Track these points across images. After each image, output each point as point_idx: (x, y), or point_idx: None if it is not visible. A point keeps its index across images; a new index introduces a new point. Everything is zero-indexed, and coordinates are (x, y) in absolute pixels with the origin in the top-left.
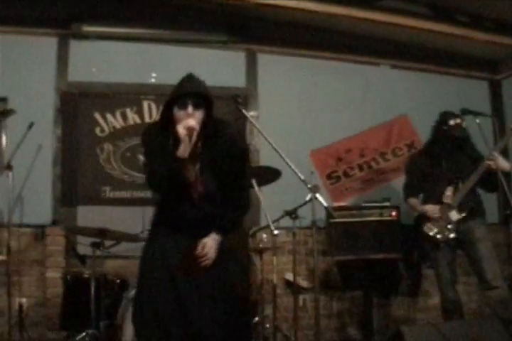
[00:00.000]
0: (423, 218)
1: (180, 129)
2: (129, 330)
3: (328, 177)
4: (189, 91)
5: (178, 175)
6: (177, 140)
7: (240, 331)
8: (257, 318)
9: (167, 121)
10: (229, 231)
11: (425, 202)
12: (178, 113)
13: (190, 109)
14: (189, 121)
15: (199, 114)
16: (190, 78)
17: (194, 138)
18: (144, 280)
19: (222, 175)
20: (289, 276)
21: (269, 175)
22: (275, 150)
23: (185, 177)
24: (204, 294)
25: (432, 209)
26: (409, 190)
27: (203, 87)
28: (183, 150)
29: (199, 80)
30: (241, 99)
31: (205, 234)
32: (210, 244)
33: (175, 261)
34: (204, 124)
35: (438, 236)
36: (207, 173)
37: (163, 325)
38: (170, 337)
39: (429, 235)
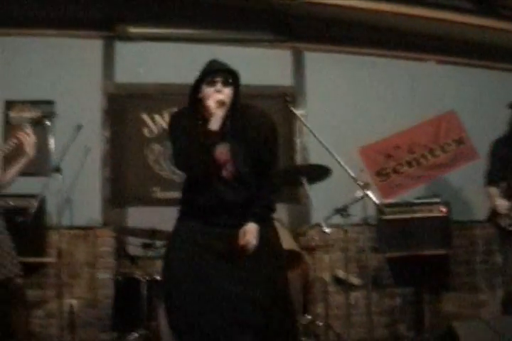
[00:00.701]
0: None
1: (211, 103)
2: None
3: (378, 174)
4: (218, 68)
5: (210, 150)
6: (206, 121)
7: (283, 324)
8: (309, 317)
9: (195, 104)
10: (267, 217)
11: (507, 191)
12: (207, 90)
13: (219, 85)
14: (219, 95)
15: (228, 91)
16: (215, 60)
17: (224, 112)
18: (172, 272)
19: (254, 156)
20: (341, 274)
21: (319, 173)
22: (325, 148)
23: (215, 155)
24: (241, 282)
25: (501, 204)
26: (491, 176)
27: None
28: (214, 123)
29: (224, 62)
30: (290, 97)
31: (236, 220)
32: (251, 231)
33: (209, 250)
34: (233, 103)
35: (510, 228)
36: (238, 154)
37: (195, 317)
38: (204, 330)
39: (501, 226)
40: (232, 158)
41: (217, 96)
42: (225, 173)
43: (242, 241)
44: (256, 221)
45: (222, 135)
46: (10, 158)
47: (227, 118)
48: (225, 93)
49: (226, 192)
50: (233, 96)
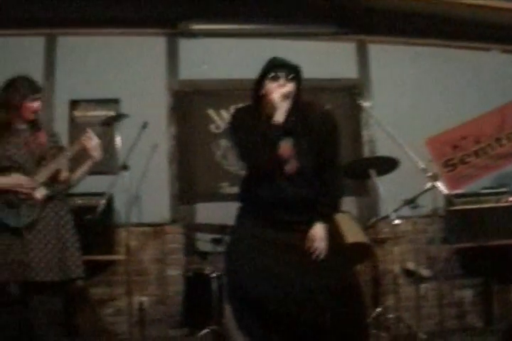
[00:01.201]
0: None
1: (275, 95)
2: None
3: (445, 165)
4: (279, 63)
5: (274, 143)
6: (269, 117)
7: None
8: (379, 309)
9: (258, 101)
10: (331, 215)
11: None
12: (269, 85)
13: (282, 80)
14: (283, 88)
15: (291, 85)
16: (276, 57)
17: (288, 105)
18: (235, 266)
19: (317, 151)
20: (410, 265)
21: (387, 165)
22: (393, 140)
23: (279, 150)
24: (308, 274)
25: None
26: None
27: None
28: (279, 116)
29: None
30: (357, 90)
31: (298, 216)
32: (319, 236)
33: (271, 245)
34: (295, 99)
35: None
36: (301, 149)
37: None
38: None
39: None
40: (295, 154)
41: (281, 90)
42: (287, 168)
43: (311, 248)
44: (323, 221)
45: (285, 130)
46: (77, 159)
47: (291, 114)
48: (289, 87)
49: (289, 188)
50: (295, 92)
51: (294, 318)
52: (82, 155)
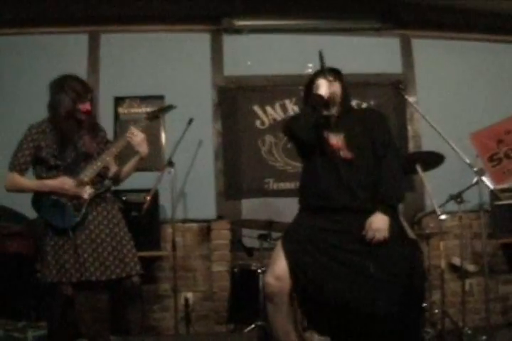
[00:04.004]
0: None
1: (323, 88)
2: None
3: (490, 159)
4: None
5: (319, 112)
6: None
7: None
8: (425, 304)
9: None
10: (394, 206)
11: None
12: (319, 82)
13: (330, 77)
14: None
15: (337, 85)
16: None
17: (332, 91)
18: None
19: (370, 141)
20: (456, 261)
21: (433, 159)
22: (439, 134)
23: (329, 140)
24: (371, 259)
25: None
26: None
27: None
28: (322, 90)
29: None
30: (401, 85)
31: (358, 203)
32: (376, 226)
33: (329, 232)
34: (343, 98)
35: None
36: (354, 143)
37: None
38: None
39: None
40: (348, 146)
41: (328, 84)
42: (344, 155)
43: (368, 235)
44: (383, 212)
45: (334, 123)
46: (125, 156)
47: (339, 110)
48: (335, 85)
49: (348, 173)
50: (342, 92)
51: (348, 307)
52: (131, 151)
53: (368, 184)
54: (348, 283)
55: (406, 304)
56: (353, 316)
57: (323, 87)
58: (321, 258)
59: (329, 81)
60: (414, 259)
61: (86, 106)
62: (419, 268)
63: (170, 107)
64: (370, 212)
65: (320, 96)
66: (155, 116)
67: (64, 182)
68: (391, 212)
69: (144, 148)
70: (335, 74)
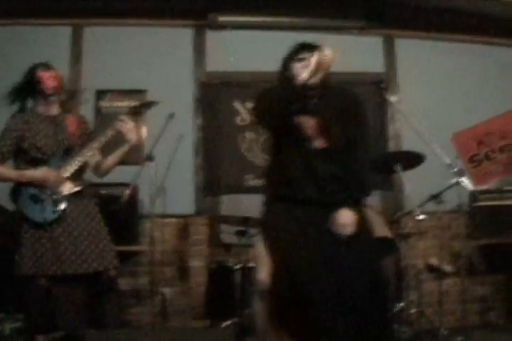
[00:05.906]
0: None
1: (304, 75)
2: None
3: (470, 160)
4: (306, 44)
5: (299, 97)
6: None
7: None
8: (401, 304)
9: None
10: (360, 200)
11: None
12: (296, 67)
13: (307, 60)
14: (309, 68)
15: (315, 58)
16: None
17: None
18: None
19: (343, 129)
20: (433, 261)
21: (413, 159)
22: (419, 134)
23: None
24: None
25: None
26: None
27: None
28: (306, 75)
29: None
30: (383, 84)
31: (327, 196)
32: (342, 221)
33: (301, 227)
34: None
35: None
36: (326, 127)
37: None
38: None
39: None
40: (321, 132)
41: (308, 69)
42: (316, 144)
43: (334, 229)
44: (350, 207)
45: (309, 108)
46: (110, 148)
47: (315, 95)
48: (313, 60)
49: (319, 164)
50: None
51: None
52: (114, 145)
53: (339, 176)
54: (321, 276)
55: (371, 300)
56: (321, 310)
57: (309, 71)
58: (300, 250)
59: (306, 66)
60: (380, 257)
61: (47, 74)
62: (388, 266)
63: (152, 103)
64: (337, 205)
65: (301, 86)
66: (137, 113)
67: (47, 174)
68: (358, 207)
69: (134, 136)
70: (308, 49)
